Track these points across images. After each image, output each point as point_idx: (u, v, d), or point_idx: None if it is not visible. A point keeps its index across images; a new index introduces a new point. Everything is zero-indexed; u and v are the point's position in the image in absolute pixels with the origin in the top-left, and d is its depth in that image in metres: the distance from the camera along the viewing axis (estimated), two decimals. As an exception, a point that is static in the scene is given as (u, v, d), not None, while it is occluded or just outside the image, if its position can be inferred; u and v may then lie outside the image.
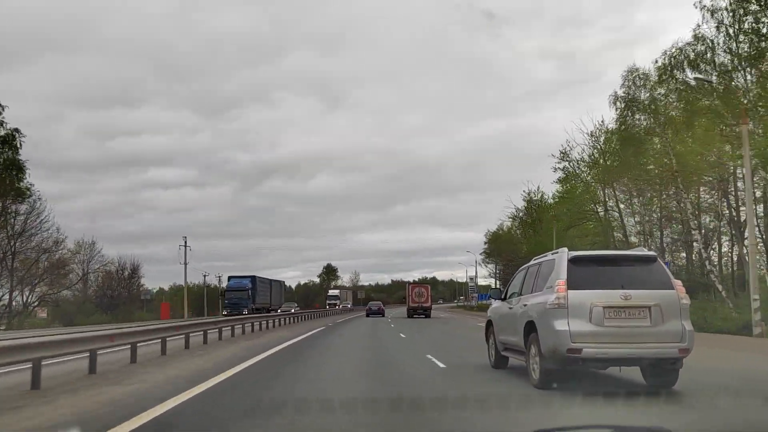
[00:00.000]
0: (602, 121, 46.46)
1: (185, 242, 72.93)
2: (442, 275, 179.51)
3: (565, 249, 10.14)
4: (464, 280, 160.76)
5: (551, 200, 61.79)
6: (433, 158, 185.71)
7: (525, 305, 10.43)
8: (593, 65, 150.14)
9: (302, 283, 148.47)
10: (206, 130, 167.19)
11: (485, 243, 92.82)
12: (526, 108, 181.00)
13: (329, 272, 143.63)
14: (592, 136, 46.71)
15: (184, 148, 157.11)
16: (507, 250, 77.31)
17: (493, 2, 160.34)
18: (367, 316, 59.78)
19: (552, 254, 10.47)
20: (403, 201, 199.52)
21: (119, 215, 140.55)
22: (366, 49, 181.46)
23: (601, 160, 46.48)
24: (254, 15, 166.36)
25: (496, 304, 12.85)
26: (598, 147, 46.73)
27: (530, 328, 9.95)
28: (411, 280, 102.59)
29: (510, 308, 11.42)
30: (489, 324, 12.90)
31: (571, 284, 9.21)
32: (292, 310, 58.11)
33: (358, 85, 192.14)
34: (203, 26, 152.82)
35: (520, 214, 70.21)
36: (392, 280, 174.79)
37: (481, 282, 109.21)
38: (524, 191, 69.95)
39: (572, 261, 9.55)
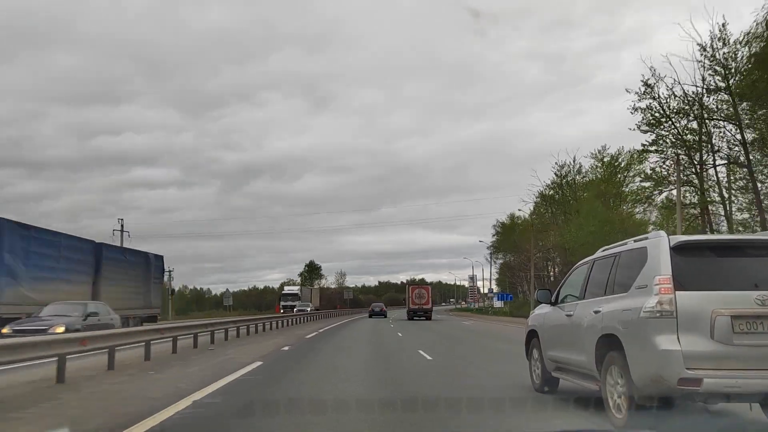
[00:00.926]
0: (724, 25, 33.41)
1: (122, 226, 56.45)
2: (429, 277, 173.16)
3: (662, 232, 6.93)
4: (452, 282, 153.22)
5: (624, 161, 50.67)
6: (420, 160, 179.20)
7: (597, 311, 7.45)
8: (581, 67, 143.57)
9: (283, 283, 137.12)
10: (190, 130, 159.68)
11: (494, 235, 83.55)
12: (513, 110, 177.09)
13: (312, 270, 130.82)
14: (705, 50, 33.94)
15: (167, 147, 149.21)
16: (526, 241, 64.21)
17: (481, 3, 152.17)
18: (370, 317, 62.38)
19: (637, 241, 7.41)
20: (390, 203, 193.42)
21: (101, 215, 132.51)
22: (353, 50, 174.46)
23: (725, 82, 33.70)
24: (240, 13, 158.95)
25: (542, 309, 9.75)
26: (720, 63, 33.69)
27: (608, 344, 7.04)
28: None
29: (568, 315, 8.44)
30: (532, 335, 10.05)
31: (678, 283, 6.33)
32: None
33: (344, 86, 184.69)
34: (188, 24, 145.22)
35: (551, 192, 59.11)
36: (378, 282, 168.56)
37: (478, 283, 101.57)
38: (555, 163, 59.20)
39: (676, 249, 6.52)
